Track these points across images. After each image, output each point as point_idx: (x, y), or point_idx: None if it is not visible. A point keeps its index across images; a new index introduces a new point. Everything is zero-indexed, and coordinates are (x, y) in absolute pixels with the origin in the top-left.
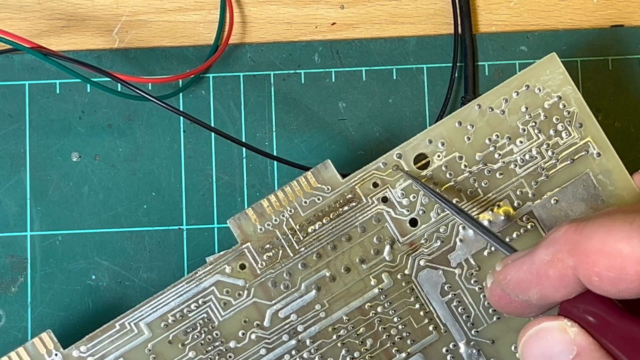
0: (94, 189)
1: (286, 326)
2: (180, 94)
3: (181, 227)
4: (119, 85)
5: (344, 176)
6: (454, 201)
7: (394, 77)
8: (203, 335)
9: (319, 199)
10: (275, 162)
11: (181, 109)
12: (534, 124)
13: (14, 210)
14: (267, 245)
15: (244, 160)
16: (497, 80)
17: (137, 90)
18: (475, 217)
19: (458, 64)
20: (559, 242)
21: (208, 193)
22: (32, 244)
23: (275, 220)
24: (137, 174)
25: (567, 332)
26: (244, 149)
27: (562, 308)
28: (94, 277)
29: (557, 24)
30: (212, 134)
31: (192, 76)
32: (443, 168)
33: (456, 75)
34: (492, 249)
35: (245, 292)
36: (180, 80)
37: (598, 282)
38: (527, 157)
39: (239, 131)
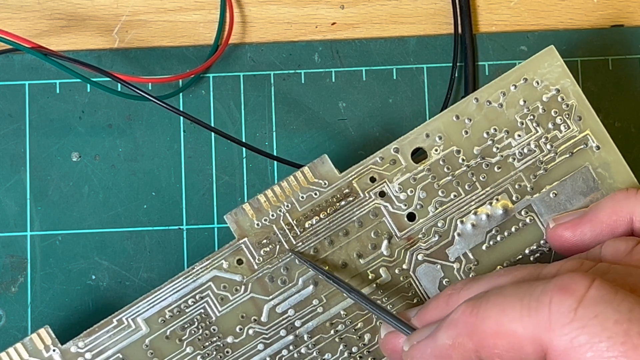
0: (94, 189)
1: (284, 321)
2: (180, 94)
3: (181, 227)
4: (119, 85)
5: (341, 171)
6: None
7: (394, 77)
8: (200, 331)
9: (315, 194)
10: (275, 162)
11: (181, 109)
12: (532, 117)
13: (14, 210)
14: (265, 241)
15: (244, 160)
16: None
17: (137, 90)
18: (370, 299)
19: (458, 64)
20: (457, 325)
21: (208, 193)
22: (32, 244)
23: (273, 215)
24: (137, 174)
25: None
26: (244, 149)
27: None
28: (94, 277)
29: (557, 24)
30: (212, 134)
31: (192, 76)
32: (441, 162)
33: (456, 75)
34: (491, 242)
35: (243, 287)
36: (180, 80)
37: None
38: (525, 150)
39: (239, 131)
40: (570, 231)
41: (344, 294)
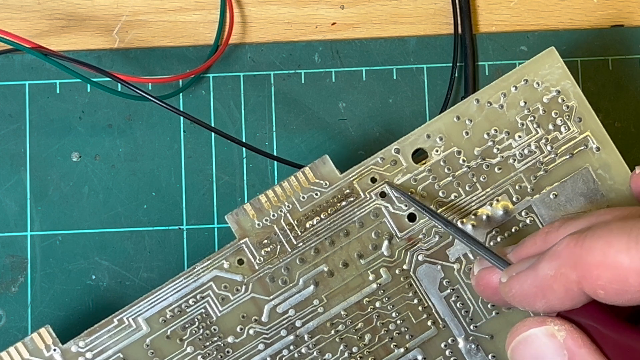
0: (94, 189)
1: (284, 321)
2: (181, 94)
3: (181, 227)
4: (119, 85)
5: (342, 172)
6: (446, 210)
7: (394, 77)
8: (201, 331)
9: (316, 194)
10: (275, 162)
11: (181, 109)
12: (532, 118)
13: (14, 210)
14: (265, 241)
15: (244, 160)
16: None
17: (137, 90)
18: (467, 233)
19: (458, 64)
20: (561, 256)
21: (208, 193)
22: (32, 244)
23: (273, 215)
24: (137, 174)
25: (556, 337)
26: (244, 149)
27: (567, 313)
28: (94, 277)
29: (557, 24)
30: (212, 134)
31: (193, 76)
32: (441, 163)
33: (456, 75)
34: (492, 243)
35: (243, 287)
36: (181, 80)
37: (603, 294)
38: (525, 151)
39: (239, 131)
40: None
41: (441, 227)
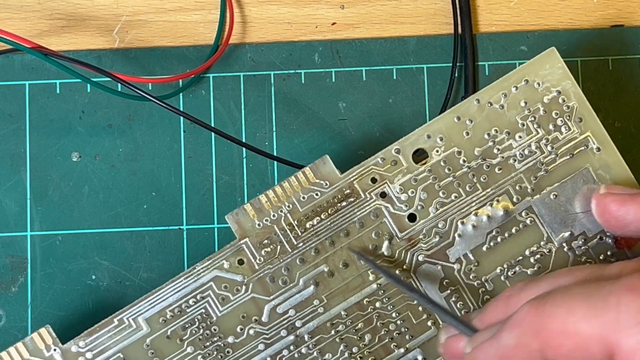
0: (94, 189)
1: (284, 321)
2: (181, 94)
3: (181, 227)
4: (119, 85)
5: (342, 172)
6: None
7: (394, 77)
8: (201, 331)
9: (317, 195)
10: (275, 162)
11: (181, 109)
12: (533, 118)
13: (14, 210)
14: (266, 241)
15: (244, 160)
16: None
17: (137, 90)
18: (432, 300)
19: (458, 64)
20: (522, 324)
21: (208, 193)
22: (32, 244)
23: (274, 215)
24: (137, 174)
25: None
26: (244, 149)
27: None
28: (94, 277)
29: (557, 24)
30: (212, 134)
31: (193, 76)
32: (442, 163)
33: (456, 75)
34: (492, 244)
35: (244, 287)
36: (181, 80)
37: None
38: (526, 152)
39: (239, 131)
40: (617, 205)
41: (405, 294)
